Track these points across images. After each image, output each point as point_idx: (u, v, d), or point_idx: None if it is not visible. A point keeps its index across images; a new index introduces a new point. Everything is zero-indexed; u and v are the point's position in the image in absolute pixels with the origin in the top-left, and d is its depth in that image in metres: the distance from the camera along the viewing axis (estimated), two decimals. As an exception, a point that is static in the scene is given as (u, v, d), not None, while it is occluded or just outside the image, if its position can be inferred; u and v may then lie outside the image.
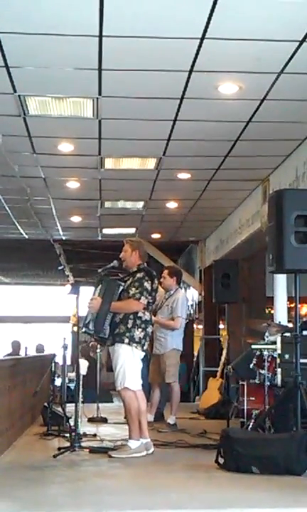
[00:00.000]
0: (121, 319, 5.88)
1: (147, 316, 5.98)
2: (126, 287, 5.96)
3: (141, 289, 5.89)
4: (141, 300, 5.85)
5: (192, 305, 15.16)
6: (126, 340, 5.84)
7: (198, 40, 5.24)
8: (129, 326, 5.87)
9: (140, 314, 5.91)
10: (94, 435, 6.83)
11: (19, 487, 4.48)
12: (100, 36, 5.17)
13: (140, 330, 5.89)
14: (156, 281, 6.14)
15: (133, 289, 5.90)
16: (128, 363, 5.83)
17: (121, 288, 5.96)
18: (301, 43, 5.27)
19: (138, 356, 5.92)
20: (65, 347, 7.66)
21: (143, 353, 6.01)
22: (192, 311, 15.18)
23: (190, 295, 15.22)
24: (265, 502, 4.04)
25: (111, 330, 5.88)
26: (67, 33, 5.15)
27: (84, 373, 9.00)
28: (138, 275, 5.99)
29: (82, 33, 5.15)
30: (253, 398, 7.14)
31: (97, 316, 5.88)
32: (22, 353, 12.69)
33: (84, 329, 5.98)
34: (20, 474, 4.96)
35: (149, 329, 6.03)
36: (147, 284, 5.94)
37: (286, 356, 6.37)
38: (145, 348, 6.00)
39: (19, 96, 6.34)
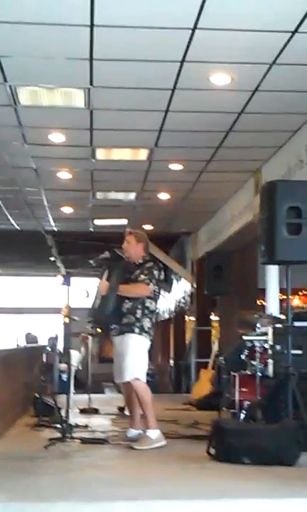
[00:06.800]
0: (129, 309, 5.83)
1: (154, 306, 5.95)
2: (134, 277, 5.92)
3: (151, 276, 5.88)
4: (149, 286, 5.84)
5: (184, 297, 15.16)
6: (137, 330, 5.81)
7: (190, 31, 5.22)
8: (138, 316, 5.84)
9: (147, 304, 5.88)
10: (86, 426, 6.82)
11: (10, 478, 4.46)
12: (91, 26, 5.14)
13: (148, 320, 5.87)
14: (163, 273, 6.13)
15: (142, 276, 5.88)
16: (138, 353, 5.79)
17: (127, 273, 5.91)
18: (293, 33, 5.25)
19: (146, 346, 5.89)
20: (56, 338, 7.65)
21: (150, 343, 5.96)
22: (184, 303, 15.19)
23: (182, 287, 15.23)
24: (257, 492, 4.04)
25: (118, 319, 5.84)
26: (58, 23, 5.12)
27: (76, 364, 8.99)
28: (148, 265, 5.97)
29: (73, 23, 5.13)
30: (244, 389, 7.13)
31: (103, 298, 5.82)
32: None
33: (89, 319, 5.96)
34: (10, 465, 4.95)
35: (154, 319, 6.01)
36: (156, 273, 5.93)
37: (278, 347, 6.38)
38: (152, 337, 5.97)
39: (10, 86, 6.31)
